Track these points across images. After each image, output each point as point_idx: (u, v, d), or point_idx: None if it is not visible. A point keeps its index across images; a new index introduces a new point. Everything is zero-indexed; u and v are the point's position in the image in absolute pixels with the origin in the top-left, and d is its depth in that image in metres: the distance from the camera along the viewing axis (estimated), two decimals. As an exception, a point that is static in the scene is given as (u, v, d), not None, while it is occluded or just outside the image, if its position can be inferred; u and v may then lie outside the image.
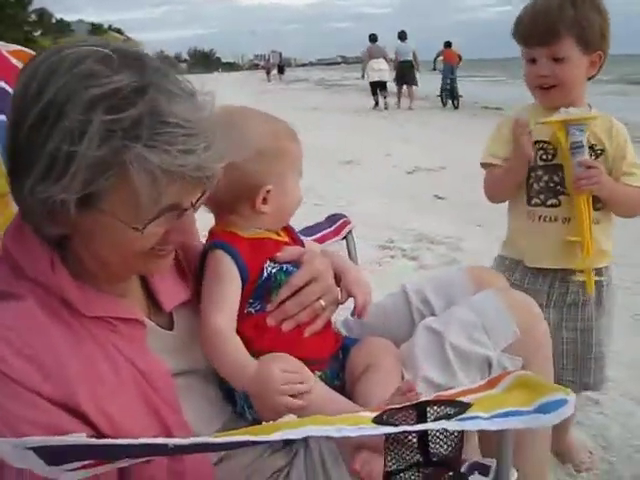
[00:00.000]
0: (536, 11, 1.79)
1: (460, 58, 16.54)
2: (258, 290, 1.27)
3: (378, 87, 16.41)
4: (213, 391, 1.26)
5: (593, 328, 1.94)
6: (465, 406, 0.97)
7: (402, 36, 16.05)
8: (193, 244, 1.35)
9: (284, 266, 1.30)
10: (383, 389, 1.19)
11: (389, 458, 0.90)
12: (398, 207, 5.88)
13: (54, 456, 0.74)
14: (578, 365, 1.97)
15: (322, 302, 1.28)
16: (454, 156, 8.33)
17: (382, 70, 16.05)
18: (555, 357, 1.47)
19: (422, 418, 0.90)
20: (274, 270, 1.28)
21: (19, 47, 1.48)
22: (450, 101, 16.50)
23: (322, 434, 0.85)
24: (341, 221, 2.00)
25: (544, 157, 1.86)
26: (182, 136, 0.93)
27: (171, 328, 1.22)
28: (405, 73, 15.87)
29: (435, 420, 0.90)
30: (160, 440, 0.76)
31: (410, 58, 15.78)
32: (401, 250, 4.50)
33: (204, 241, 1.36)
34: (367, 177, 7.43)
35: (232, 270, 1.24)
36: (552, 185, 1.86)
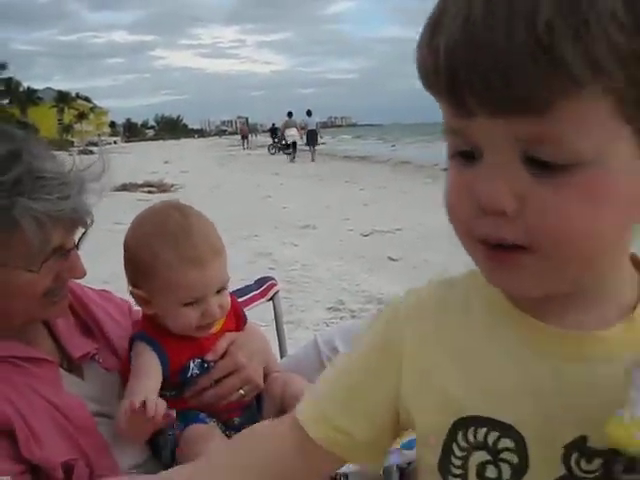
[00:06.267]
0: None
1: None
2: (178, 384, 1.30)
3: (291, 146, 25.14)
4: None
5: None
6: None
7: (309, 113, 25.25)
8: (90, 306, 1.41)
9: (209, 367, 1.32)
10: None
11: None
12: (352, 269, 6.00)
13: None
14: None
15: (242, 392, 1.33)
16: (410, 217, 8.55)
17: (294, 135, 25.41)
18: None
19: None
20: (198, 372, 1.31)
21: None
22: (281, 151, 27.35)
23: None
24: (268, 283, 2.09)
25: None
26: (58, 186, 1.10)
27: (82, 378, 1.29)
28: (311, 138, 24.30)
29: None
30: None
31: (314, 127, 24.43)
32: (350, 311, 4.60)
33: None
34: (323, 240, 7.57)
35: (155, 364, 1.27)
36: None
